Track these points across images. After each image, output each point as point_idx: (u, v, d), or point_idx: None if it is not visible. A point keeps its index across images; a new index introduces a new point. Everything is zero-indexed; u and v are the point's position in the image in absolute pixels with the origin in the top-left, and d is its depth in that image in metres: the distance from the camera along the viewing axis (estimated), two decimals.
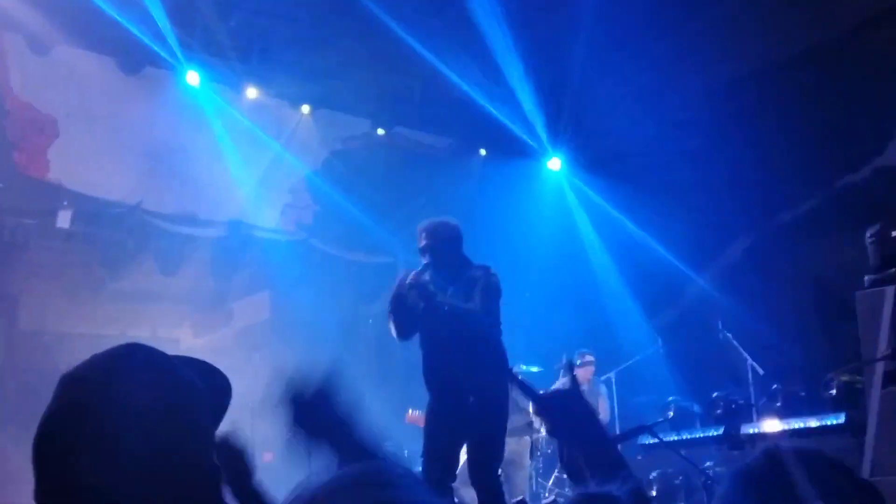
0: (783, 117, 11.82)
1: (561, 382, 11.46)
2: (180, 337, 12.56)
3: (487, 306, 6.59)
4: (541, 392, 2.38)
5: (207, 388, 1.79)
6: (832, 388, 8.75)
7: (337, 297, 13.67)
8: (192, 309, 12.97)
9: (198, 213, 12.74)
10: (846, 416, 8.55)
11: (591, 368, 11.63)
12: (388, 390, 13.30)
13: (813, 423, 8.93)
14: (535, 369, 11.19)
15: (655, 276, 13.17)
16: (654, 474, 10.08)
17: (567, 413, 2.27)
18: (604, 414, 11.53)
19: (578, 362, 11.52)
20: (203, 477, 1.67)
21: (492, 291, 6.65)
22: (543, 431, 10.81)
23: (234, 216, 12.97)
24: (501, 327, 6.75)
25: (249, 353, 12.92)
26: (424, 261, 6.70)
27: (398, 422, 11.25)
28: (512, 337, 12.50)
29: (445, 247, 6.73)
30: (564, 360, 10.03)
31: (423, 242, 6.77)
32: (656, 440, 8.53)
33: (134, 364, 1.70)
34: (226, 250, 12.98)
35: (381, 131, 13.45)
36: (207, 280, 13.05)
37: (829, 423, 8.78)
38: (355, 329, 14.17)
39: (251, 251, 13.13)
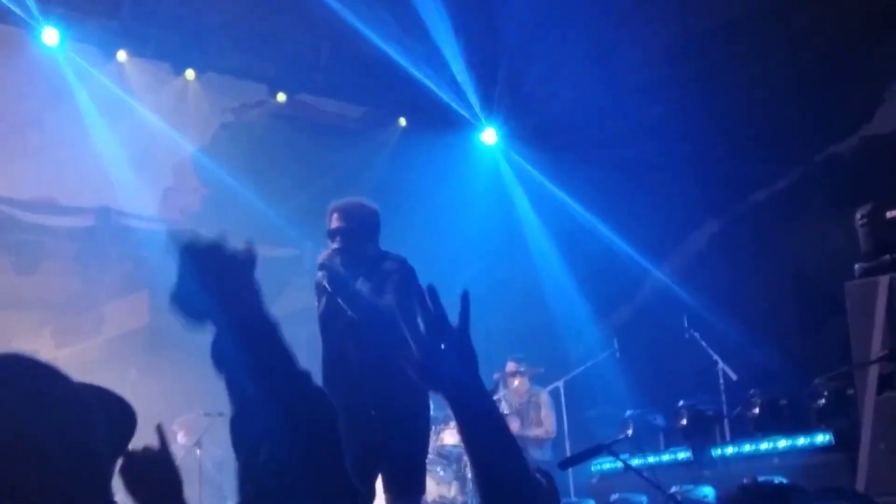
0: (756, 80, 11.90)
1: (501, 392, 11.41)
2: (39, 348, 12.33)
3: (404, 304, 6.45)
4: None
5: (106, 418, 1.85)
6: (819, 398, 8.78)
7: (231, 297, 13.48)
8: (54, 314, 12.82)
9: (58, 198, 12.61)
10: (835, 433, 8.61)
11: (525, 376, 11.62)
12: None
13: (798, 440, 8.98)
14: None
15: (608, 268, 13.18)
16: (613, 499, 10.06)
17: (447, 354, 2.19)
18: (549, 427, 11.49)
19: (519, 369, 11.50)
20: None
21: (409, 287, 6.51)
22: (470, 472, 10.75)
23: (103, 202, 12.82)
24: None
25: (124, 368, 12.72)
26: (334, 246, 6.56)
27: None
28: None
29: (360, 233, 6.60)
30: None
31: (335, 224, 6.61)
32: (615, 461, 8.48)
33: (9, 373, 1.74)
34: (94, 243, 12.81)
35: (280, 98, 13.26)
36: (72, 279, 12.88)
37: (815, 441, 8.84)
38: None
39: (125, 244, 12.95)
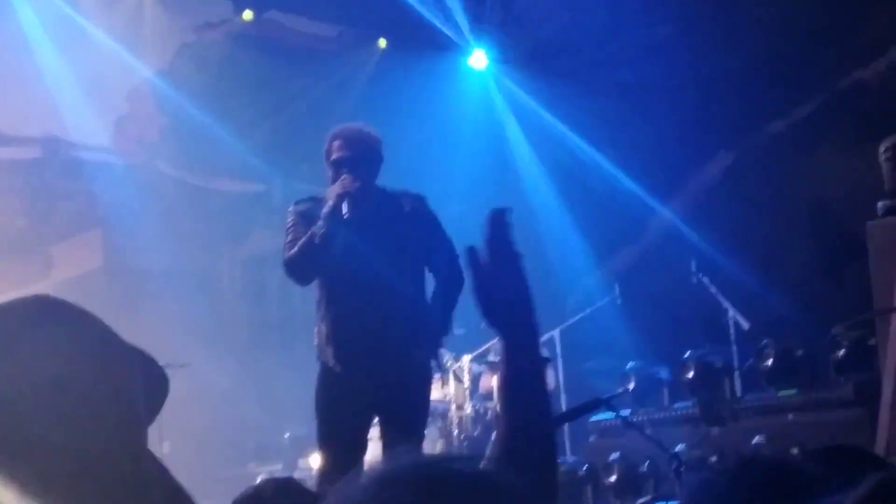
0: None
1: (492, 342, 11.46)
2: None
3: (445, 248, 6.47)
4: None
5: (144, 375, 1.88)
6: (838, 348, 8.85)
7: (193, 237, 13.49)
8: None
9: (1, 126, 12.45)
10: (854, 387, 8.67)
11: None
12: (262, 356, 13.27)
13: (815, 394, 9.04)
14: (456, 330, 11.14)
15: (609, 206, 13.19)
16: (613, 457, 10.17)
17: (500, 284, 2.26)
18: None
19: None
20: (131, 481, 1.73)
21: (441, 230, 6.57)
22: (468, 409, 10.84)
23: (50, 132, 12.76)
24: None
25: None
26: (343, 183, 6.38)
27: (274, 397, 11.20)
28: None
29: (370, 163, 6.52)
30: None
31: (339, 153, 6.48)
32: (614, 417, 8.55)
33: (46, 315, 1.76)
34: (41, 177, 12.76)
35: (247, 17, 13.17)
36: (16, 217, 12.85)
37: (833, 395, 8.90)
38: (218, 280, 14.06)
39: (75, 178, 12.93)
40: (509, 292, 2.26)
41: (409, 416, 6.57)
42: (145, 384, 1.86)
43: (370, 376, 6.42)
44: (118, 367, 1.77)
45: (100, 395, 1.71)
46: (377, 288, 6.37)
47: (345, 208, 6.28)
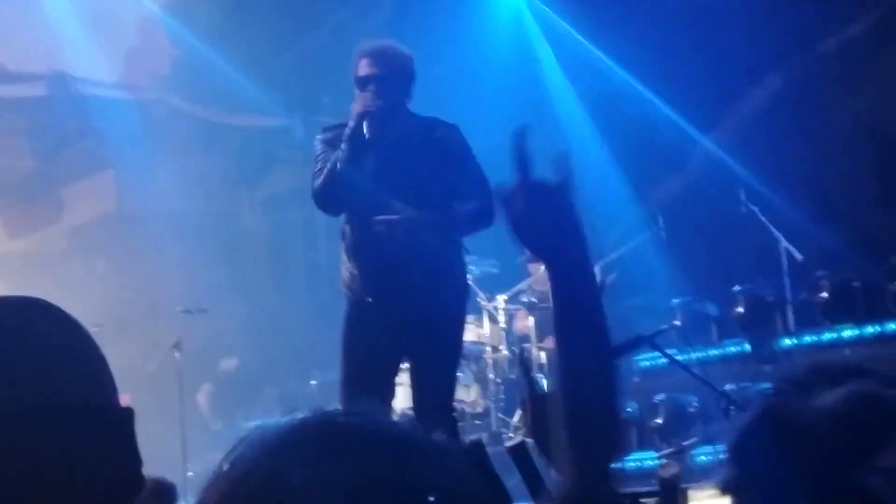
0: None
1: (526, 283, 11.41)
2: None
3: (475, 178, 6.42)
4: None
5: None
6: None
7: (210, 177, 13.50)
8: (5, 200, 12.84)
9: (4, 64, 12.59)
10: None
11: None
12: (285, 300, 13.30)
13: (873, 328, 8.99)
14: (490, 269, 11.12)
15: (650, 135, 13.14)
16: (659, 398, 10.15)
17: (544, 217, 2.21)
18: None
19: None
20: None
21: (473, 160, 6.52)
22: (504, 351, 10.82)
23: (56, 67, 12.77)
24: None
25: (89, 260, 12.84)
26: (370, 94, 6.31)
27: (299, 343, 11.21)
28: None
29: (400, 83, 6.44)
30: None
31: (366, 70, 6.37)
32: (660, 356, 8.52)
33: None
34: (48, 115, 12.80)
35: None
36: (24, 158, 12.91)
37: (893, 329, 8.86)
38: (237, 222, 14.07)
39: (84, 116, 12.95)
40: (549, 216, 2.21)
41: (439, 358, 6.54)
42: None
43: (399, 313, 6.39)
44: (97, 369, 1.75)
45: (78, 400, 1.69)
46: (405, 219, 6.33)
47: (366, 128, 6.21)
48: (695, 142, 13.22)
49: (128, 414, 1.76)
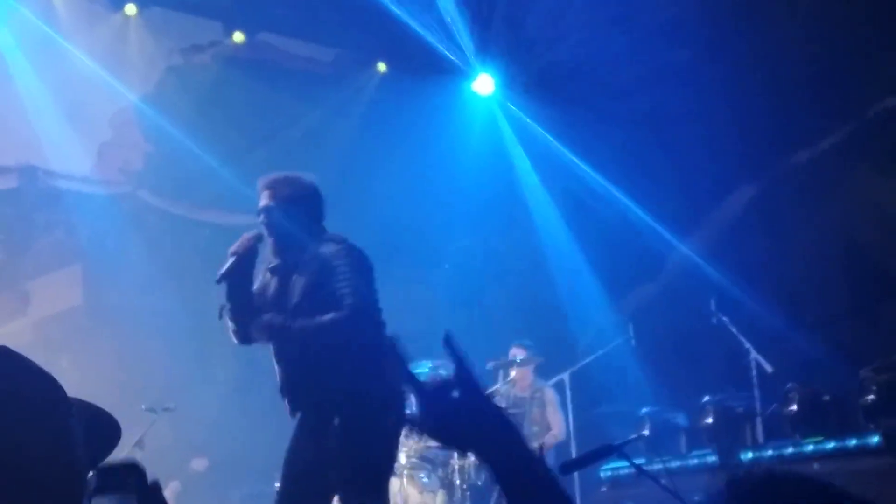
0: (801, 20, 11.85)
1: (499, 385, 11.43)
2: None
3: (353, 288, 6.50)
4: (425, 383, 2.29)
5: (87, 427, 2.00)
6: (868, 392, 8.82)
7: (179, 273, 13.47)
8: None
9: None
10: (884, 434, 8.63)
11: (530, 367, 11.63)
12: (254, 406, 13.21)
13: (843, 442, 9.00)
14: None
15: (624, 241, 13.20)
16: None
17: (456, 408, 2.21)
18: (557, 429, 11.52)
19: (516, 359, 11.49)
20: None
21: (354, 271, 6.56)
22: (471, 457, 10.77)
23: (28, 161, 12.76)
24: (380, 318, 6.67)
25: (54, 355, 12.65)
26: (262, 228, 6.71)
27: (265, 442, 11.09)
28: (427, 326, 12.43)
29: (293, 211, 6.70)
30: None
31: (262, 202, 6.75)
32: (628, 466, 8.52)
33: None
34: (17, 208, 12.76)
35: (238, 39, 13.25)
36: None
37: (863, 442, 8.85)
38: (207, 321, 13.97)
39: (54, 209, 12.92)
40: (463, 411, 2.22)
41: (356, 476, 6.52)
42: (87, 434, 1.95)
43: (313, 433, 6.55)
44: (53, 422, 1.85)
45: (33, 453, 1.78)
46: (294, 343, 6.57)
47: (224, 268, 6.56)
48: (670, 247, 13.29)
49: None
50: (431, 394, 2.24)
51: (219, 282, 6.53)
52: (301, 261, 6.61)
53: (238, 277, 6.59)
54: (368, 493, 6.51)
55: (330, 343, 6.45)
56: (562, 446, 11.54)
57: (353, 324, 6.34)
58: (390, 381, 6.38)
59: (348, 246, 6.58)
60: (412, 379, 2.28)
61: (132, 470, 2.51)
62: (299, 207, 6.71)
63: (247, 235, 6.62)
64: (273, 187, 6.75)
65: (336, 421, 6.47)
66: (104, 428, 2.35)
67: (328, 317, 6.37)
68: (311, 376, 6.54)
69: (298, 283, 6.56)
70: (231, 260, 6.54)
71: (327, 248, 6.55)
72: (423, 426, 2.26)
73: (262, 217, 6.70)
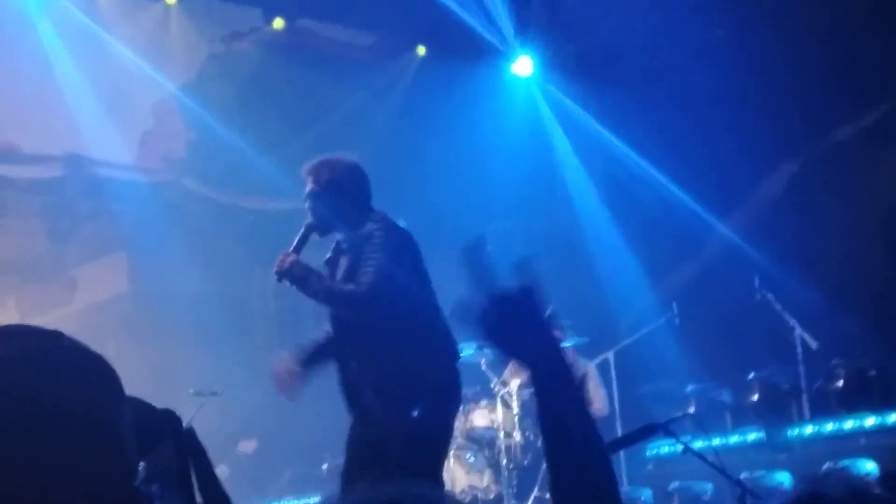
0: None
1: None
2: (1, 320, 12.38)
3: (375, 267, 6.49)
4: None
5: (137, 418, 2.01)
6: None
7: (223, 260, 13.53)
8: (19, 280, 12.84)
9: (21, 145, 12.60)
10: None
11: (568, 348, 11.64)
12: (305, 397, 13.25)
13: (889, 417, 8.97)
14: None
15: (664, 221, 13.16)
16: (673, 486, 10.10)
17: (517, 324, 2.25)
18: (599, 403, 11.52)
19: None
20: None
21: (381, 249, 6.54)
22: (517, 437, 10.79)
23: (72, 149, 12.83)
24: (417, 303, 6.58)
25: (101, 341, 12.56)
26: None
27: (311, 426, 11.15)
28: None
29: (334, 192, 6.69)
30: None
31: (307, 188, 6.77)
32: (673, 444, 8.50)
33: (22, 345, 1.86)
34: (63, 197, 12.84)
35: (278, 25, 13.26)
36: (38, 239, 12.92)
37: None
38: (249, 306, 14.04)
39: (98, 197, 12.99)
40: (521, 325, 2.25)
41: (405, 459, 6.41)
42: (137, 427, 1.95)
43: (363, 416, 6.59)
44: (109, 403, 1.87)
45: (81, 425, 1.79)
46: (338, 337, 6.65)
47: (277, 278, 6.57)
48: (710, 228, 13.23)
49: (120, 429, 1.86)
50: (500, 297, 2.25)
51: (281, 279, 6.51)
52: (348, 242, 6.62)
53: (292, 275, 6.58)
54: (420, 476, 6.44)
55: (348, 317, 6.49)
56: (607, 426, 11.52)
57: (369, 301, 6.30)
58: (437, 363, 6.45)
59: (383, 225, 6.53)
60: (485, 277, 2.27)
61: (168, 416, 2.54)
62: (342, 189, 6.68)
63: (281, 257, 6.57)
64: (315, 172, 6.74)
65: (383, 403, 6.47)
66: (153, 422, 2.39)
67: (347, 287, 6.38)
68: (355, 359, 6.55)
69: (343, 264, 6.55)
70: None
71: (367, 228, 6.52)
72: (482, 322, 2.25)
73: (307, 203, 6.73)
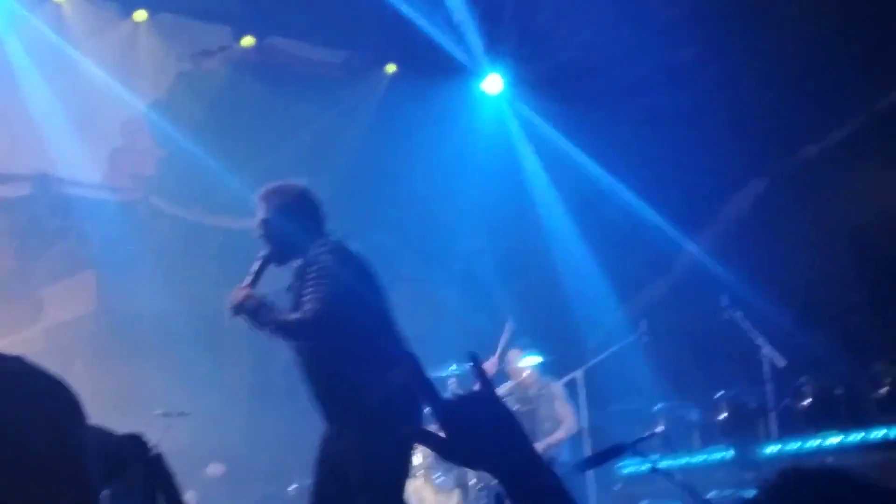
0: (805, 15, 11.83)
1: (508, 384, 11.43)
2: None
3: (318, 293, 6.49)
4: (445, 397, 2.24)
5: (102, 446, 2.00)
6: (881, 386, 8.79)
7: (192, 278, 13.47)
8: None
9: None
10: None
11: (532, 366, 11.64)
12: (266, 404, 13.20)
13: (857, 436, 8.97)
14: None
15: (633, 239, 13.19)
16: None
17: (478, 425, 2.16)
18: (568, 423, 11.51)
19: (517, 364, 11.49)
20: None
21: (323, 275, 6.50)
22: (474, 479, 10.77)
23: (39, 167, 12.77)
24: (365, 325, 6.56)
25: (68, 361, 12.66)
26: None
27: (280, 447, 11.11)
28: (438, 326, 12.43)
29: (284, 218, 6.75)
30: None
31: (258, 216, 6.88)
32: (642, 463, 8.51)
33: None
34: (30, 215, 12.75)
35: (247, 42, 13.24)
36: (4, 258, 12.81)
37: (876, 436, 8.82)
38: (218, 325, 13.94)
39: (66, 216, 12.91)
40: (486, 425, 2.17)
41: (366, 484, 6.48)
42: (102, 452, 1.94)
43: (327, 440, 6.66)
44: (70, 430, 1.83)
45: (47, 454, 1.76)
46: (295, 361, 6.68)
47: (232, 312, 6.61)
48: (678, 245, 13.26)
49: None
50: (452, 410, 2.18)
51: (236, 314, 6.55)
52: (299, 267, 6.63)
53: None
54: (381, 498, 6.49)
55: (300, 344, 6.55)
56: (576, 445, 11.52)
57: (314, 327, 6.34)
58: (391, 387, 6.31)
59: (326, 249, 6.54)
60: (432, 395, 2.21)
61: (134, 441, 2.52)
62: (292, 215, 6.73)
63: (236, 291, 6.61)
64: (265, 199, 6.82)
65: (339, 428, 6.53)
66: (119, 448, 2.38)
67: (292, 317, 6.41)
68: (314, 384, 6.59)
69: (295, 290, 6.57)
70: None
71: (310, 254, 6.54)
72: (441, 445, 2.18)
73: (260, 232, 6.81)
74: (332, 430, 6.58)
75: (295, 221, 6.69)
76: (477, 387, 2.22)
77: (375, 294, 6.64)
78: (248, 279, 6.63)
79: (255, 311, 6.44)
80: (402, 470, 6.66)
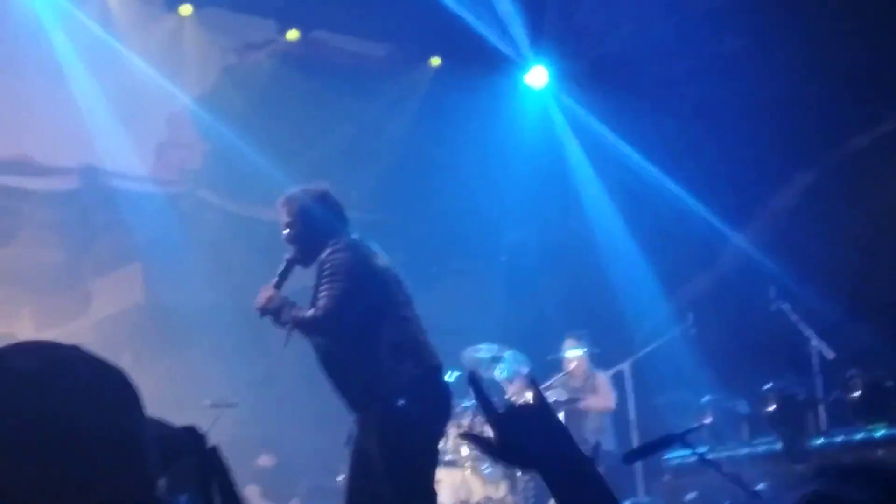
0: (854, 4, 11.76)
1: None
2: (17, 331, 12.36)
3: (327, 292, 6.66)
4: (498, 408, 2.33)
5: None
6: None
7: (238, 271, 13.51)
8: (33, 292, 12.79)
9: (35, 157, 12.57)
10: None
11: (583, 357, 11.67)
12: (314, 401, 13.25)
13: None
14: (521, 366, 11.12)
15: (680, 232, 13.15)
16: (690, 497, 10.08)
17: (532, 436, 2.26)
18: (606, 401, 11.58)
19: (566, 353, 11.52)
20: None
21: (331, 275, 6.68)
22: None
23: (86, 161, 12.82)
24: (376, 320, 6.73)
25: (116, 352, 12.65)
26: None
27: (327, 439, 11.13)
28: (484, 316, 12.44)
29: (304, 222, 6.95)
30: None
31: (282, 220, 7.10)
32: (690, 455, 8.49)
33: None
34: (77, 209, 12.81)
35: (292, 36, 13.28)
36: (53, 251, 12.87)
37: None
38: (266, 318, 14.03)
39: (113, 209, 12.97)
40: (537, 435, 2.27)
41: (393, 479, 6.61)
42: (159, 442, 1.96)
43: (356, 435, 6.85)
44: (128, 417, 1.86)
45: (97, 435, 1.77)
46: (317, 356, 6.93)
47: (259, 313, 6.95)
48: (725, 238, 13.23)
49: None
50: (507, 421, 2.28)
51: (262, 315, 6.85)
52: (317, 266, 6.83)
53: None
54: (411, 495, 6.62)
55: (316, 340, 6.81)
56: (623, 436, 11.53)
57: (328, 323, 6.59)
58: (404, 373, 6.59)
59: (339, 246, 6.75)
60: (488, 406, 2.31)
61: (190, 433, 2.53)
62: (314, 217, 6.92)
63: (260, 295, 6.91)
64: (287, 203, 7.02)
65: (361, 418, 6.75)
66: (175, 438, 2.36)
67: (308, 314, 6.67)
68: (331, 378, 6.87)
69: (315, 287, 6.79)
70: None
71: (324, 254, 6.76)
72: (497, 451, 2.31)
73: (284, 235, 7.02)
74: (356, 420, 6.79)
75: (317, 223, 6.89)
76: (531, 399, 2.31)
77: (388, 289, 6.80)
78: (274, 280, 6.89)
79: (277, 311, 6.74)
80: (427, 458, 6.79)
